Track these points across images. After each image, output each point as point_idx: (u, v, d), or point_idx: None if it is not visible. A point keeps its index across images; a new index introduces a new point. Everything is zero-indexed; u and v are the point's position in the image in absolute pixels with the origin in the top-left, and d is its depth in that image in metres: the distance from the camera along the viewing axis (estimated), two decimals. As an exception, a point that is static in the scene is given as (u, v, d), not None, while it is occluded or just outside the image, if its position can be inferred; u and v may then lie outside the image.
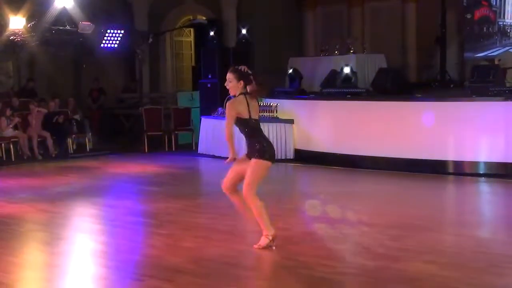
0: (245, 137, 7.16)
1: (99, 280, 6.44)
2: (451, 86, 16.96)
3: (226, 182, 7.29)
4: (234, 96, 7.10)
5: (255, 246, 7.14)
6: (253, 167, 7.04)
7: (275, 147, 13.98)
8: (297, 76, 16.44)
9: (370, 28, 19.67)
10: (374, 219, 8.66)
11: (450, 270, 6.37)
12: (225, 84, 7.13)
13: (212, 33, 18.16)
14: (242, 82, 7.03)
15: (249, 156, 7.12)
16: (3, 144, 15.47)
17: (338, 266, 6.53)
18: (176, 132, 17.56)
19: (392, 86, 14.10)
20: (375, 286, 5.96)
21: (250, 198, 7.08)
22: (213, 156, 15.25)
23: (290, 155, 14.70)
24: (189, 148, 16.90)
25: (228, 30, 19.32)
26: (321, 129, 14.30)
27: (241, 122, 7.08)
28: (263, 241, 7.13)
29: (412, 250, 7.12)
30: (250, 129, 7.11)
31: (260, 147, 7.08)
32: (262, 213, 7.11)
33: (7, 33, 15.69)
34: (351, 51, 17.08)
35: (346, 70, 15.21)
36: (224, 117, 15.10)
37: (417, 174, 12.18)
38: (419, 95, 13.88)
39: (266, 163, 7.08)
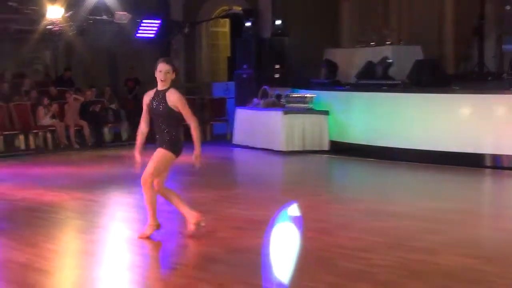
0: (165, 128, 7.15)
1: (133, 268, 6.48)
2: (489, 78, 16.74)
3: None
4: (168, 88, 7.13)
5: (139, 235, 7.30)
6: (158, 155, 7.13)
7: (310, 138, 14.28)
8: (331, 67, 16.36)
9: (407, 18, 19.46)
10: (411, 212, 8.60)
11: (487, 265, 6.29)
12: (160, 76, 7.12)
13: (247, 24, 18.13)
14: (174, 74, 7.16)
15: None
16: (40, 133, 15.65)
17: (374, 258, 6.49)
18: (211, 122, 17.61)
19: (428, 78, 13.97)
20: (411, 279, 5.91)
21: (147, 185, 7.11)
22: (248, 147, 15.27)
23: (325, 146, 14.65)
24: (224, 139, 16.93)
25: (264, 21, 19.27)
26: (356, 120, 14.24)
27: (175, 114, 7.12)
28: (148, 230, 7.30)
29: (449, 243, 7.06)
30: (176, 120, 7.15)
31: (173, 139, 7.13)
32: (154, 202, 7.24)
33: (45, 22, 15.83)
34: (387, 43, 16.93)
35: (389, 61, 15.13)
36: (259, 108, 15.15)
37: (454, 167, 12.06)
38: (456, 87, 13.73)
39: (171, 155, 7.14)
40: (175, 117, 7.13)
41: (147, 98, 7.27)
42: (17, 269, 6.32)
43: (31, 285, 5.83)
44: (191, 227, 7.38)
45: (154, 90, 7.24)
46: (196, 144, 7.18)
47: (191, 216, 7.42)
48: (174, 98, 7.08)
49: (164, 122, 7.13)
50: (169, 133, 7.14)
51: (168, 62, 7.23)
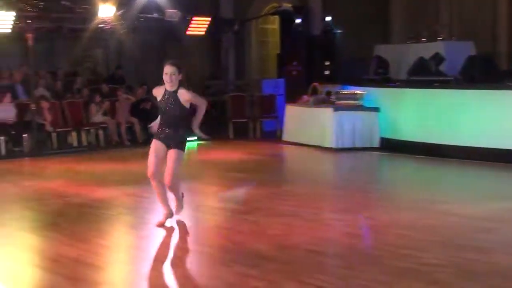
0: (177, 127, 7.61)
1: (185, 265, 6.52)
2: (544, 74, 16.39)
3: (154, 169, 7.66)
4: (176, 89, 7.50)
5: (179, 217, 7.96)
6: (177, 157, 7.58)
7: (360, 135, 14.20)
8: (382, 63, 16.22)
9: (458, 14, 19.17)
10: (463, 210, 8.46)
11: (542, 264, 6.17)
12: (166, 79, 7.45)
13: (297, 21, 18.07)
14: (181, 75, 7.49)
15: (172, 145, 7.58)
16: (92, 130, 15.88)
17: (425, 257, 6.41)
18: (261, 119, 17.64)
19: (481, 74, 13.73)
20: (464, 278, 5.82)
21: (177, 186, 7.70)
22: (298, 144, 15.24)
23: (376, 143, 14.55)
24: (274, 136, 16.94)
25: (314, 18, 19.21)
26: (407, 117, 14.09)
27: (186, 111, 7.59)
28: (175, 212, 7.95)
29: (502, 242, 6.93)
30: (186, 119, 7.64)
31: (184, 138, 7.68)
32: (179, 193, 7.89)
33: (97, 21, 16.04)
34: (439, 38, 16.71)
35: (436, 57, 14.90)
36: (309, 105, 15.09)
37: (508, 165, 11.84)
38: (511, 84, 13.47)
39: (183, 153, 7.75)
40: (186, 116, 7.62)
41: (157, 93, 7.64)
42: (69, 263, 6.42)
43: (82, 280, 5.91)
44: (163, 219, 7.86)
45: (163, 88, 7.58)
46: (198, 116, 7.79)
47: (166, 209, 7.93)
48: (185, 97, 7.50)
49: (176, 121, 7.58)
50: (181, 133, 7.65)
51: (173, 64, 7.50)
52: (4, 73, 16.91)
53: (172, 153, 7.57)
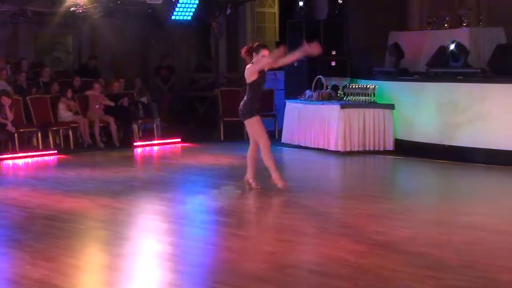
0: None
1: (167, 286, 6.52)
2: None
3: None
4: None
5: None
6: None
7: (371, 136, 14.21)
8: (399, 53, 16.21)
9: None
10: (489, 224, 8.47)
11: None
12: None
13: (300, 3, 18.04)
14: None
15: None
16: (61, 130, 15.83)
17: (446, 278, 6.42)
18: (257, 118, 17.63)
19: (512, 65, 13.76)
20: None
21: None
22: (299, 147, 15.23)
23: (390, 146, 14.56)
24: (271, 137, 16.90)
25: (318, 0, 19.21)
26: (427, 116, 14.09)
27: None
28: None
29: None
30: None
31: None
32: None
33: (67, 4, 16.02)
34: (464, 24, 16.73)
35: (455, 45, 14.89)
36: (313, 101, 15.06)
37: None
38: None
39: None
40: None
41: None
42: (32, 286, 6.40)
43: (47, 305, 5.90)
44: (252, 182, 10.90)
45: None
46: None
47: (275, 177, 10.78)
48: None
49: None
50: None
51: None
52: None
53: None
